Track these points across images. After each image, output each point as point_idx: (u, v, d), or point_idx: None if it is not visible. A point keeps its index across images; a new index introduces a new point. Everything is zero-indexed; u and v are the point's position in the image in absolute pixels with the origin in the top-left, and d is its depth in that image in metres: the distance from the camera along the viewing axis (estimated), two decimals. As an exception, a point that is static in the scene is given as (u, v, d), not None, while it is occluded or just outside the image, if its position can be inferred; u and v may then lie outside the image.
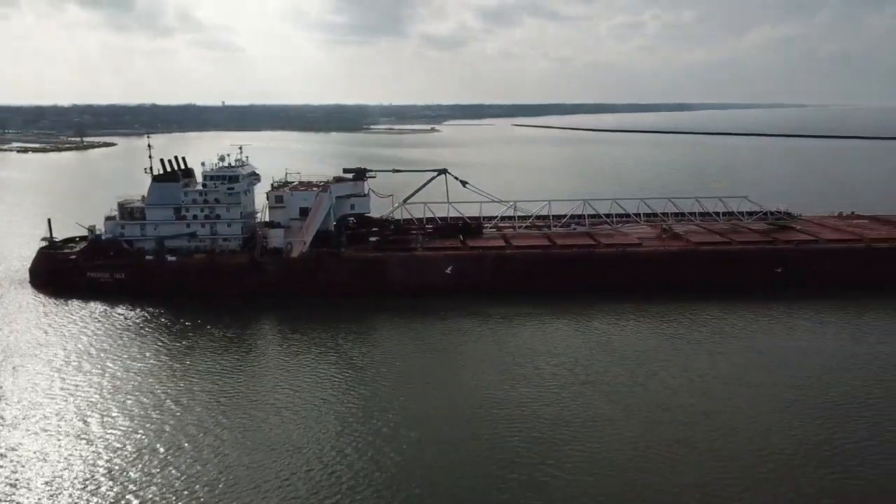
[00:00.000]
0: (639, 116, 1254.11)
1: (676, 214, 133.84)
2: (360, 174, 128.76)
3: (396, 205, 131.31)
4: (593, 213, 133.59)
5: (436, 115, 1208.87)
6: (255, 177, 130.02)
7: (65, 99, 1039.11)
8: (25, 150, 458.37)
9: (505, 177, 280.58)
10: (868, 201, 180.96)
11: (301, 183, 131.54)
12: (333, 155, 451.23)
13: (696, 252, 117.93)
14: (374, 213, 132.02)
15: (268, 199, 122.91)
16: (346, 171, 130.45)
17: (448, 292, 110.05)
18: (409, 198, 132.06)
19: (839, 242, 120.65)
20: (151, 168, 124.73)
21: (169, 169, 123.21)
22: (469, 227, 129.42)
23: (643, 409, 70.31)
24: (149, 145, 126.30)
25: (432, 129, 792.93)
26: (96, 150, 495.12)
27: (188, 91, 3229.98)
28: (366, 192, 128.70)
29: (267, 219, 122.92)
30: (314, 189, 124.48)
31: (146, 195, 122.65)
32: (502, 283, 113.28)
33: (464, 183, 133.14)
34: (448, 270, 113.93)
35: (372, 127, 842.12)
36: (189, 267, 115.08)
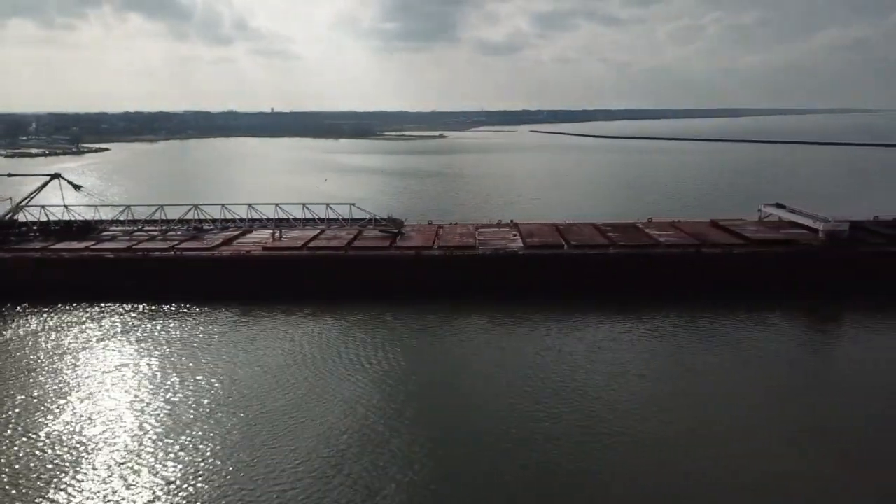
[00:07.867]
0: (690, 123, 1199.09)
1: (282, 221, 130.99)
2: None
3: (10, 207, 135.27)
4: (205, 217, 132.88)
5: (472, 120, 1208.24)
6: None
7: (121, 107, 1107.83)
8: (12, 156, 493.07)
9: (424, 183, 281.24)
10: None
11: None
12: (299, 161, 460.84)
13: (248, 258, 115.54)
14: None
15: None
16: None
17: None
18: (23, 201, 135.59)
19: (411, 249, 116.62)
20: None
21: None
22: (85, 229, 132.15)
23: None
24: None
25: (440, 136, 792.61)
26: (87, 154, 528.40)
27: (242, 97, 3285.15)
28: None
29: None
30: None
31: None
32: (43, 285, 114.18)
33: (77, 187, 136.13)
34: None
35: (385, 133, 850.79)
36: None
